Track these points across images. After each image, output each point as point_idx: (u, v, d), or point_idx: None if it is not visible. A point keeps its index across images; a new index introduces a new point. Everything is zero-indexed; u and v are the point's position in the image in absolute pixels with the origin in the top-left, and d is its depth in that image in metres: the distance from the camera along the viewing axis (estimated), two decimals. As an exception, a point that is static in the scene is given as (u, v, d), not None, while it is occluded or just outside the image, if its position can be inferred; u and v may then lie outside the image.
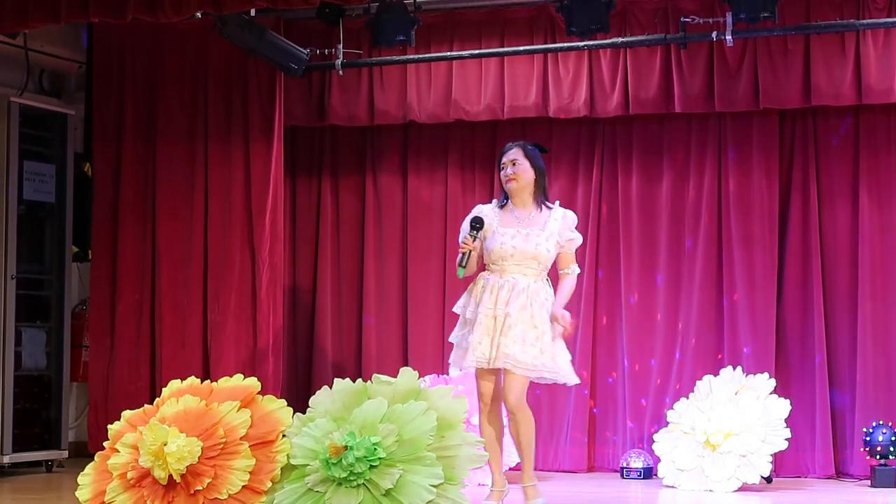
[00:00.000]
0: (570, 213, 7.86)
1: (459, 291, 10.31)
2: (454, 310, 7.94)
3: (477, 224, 7.68)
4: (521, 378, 7.62)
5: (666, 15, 9.70)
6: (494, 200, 7.94)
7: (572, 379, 7.84)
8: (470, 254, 7.67)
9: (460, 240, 7.72)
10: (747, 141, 9.93)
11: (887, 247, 9.66)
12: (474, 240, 7.68)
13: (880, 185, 9.70)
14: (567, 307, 7.73)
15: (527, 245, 7.65)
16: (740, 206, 9.90)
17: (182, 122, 10.27)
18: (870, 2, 9.35)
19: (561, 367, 7.70)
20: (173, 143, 10.27)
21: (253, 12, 9.31)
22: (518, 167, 7.74)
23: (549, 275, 7.79)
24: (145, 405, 7.07)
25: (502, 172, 7.79)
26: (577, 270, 7.84)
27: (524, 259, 7.65)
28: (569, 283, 7.79)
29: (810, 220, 9.80)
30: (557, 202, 7.90)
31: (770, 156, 9.89)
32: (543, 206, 7.79)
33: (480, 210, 7.86)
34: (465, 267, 7.68)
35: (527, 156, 7.77)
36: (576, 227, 7.84)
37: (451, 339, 7.94)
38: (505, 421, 7.89)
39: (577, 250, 7.87)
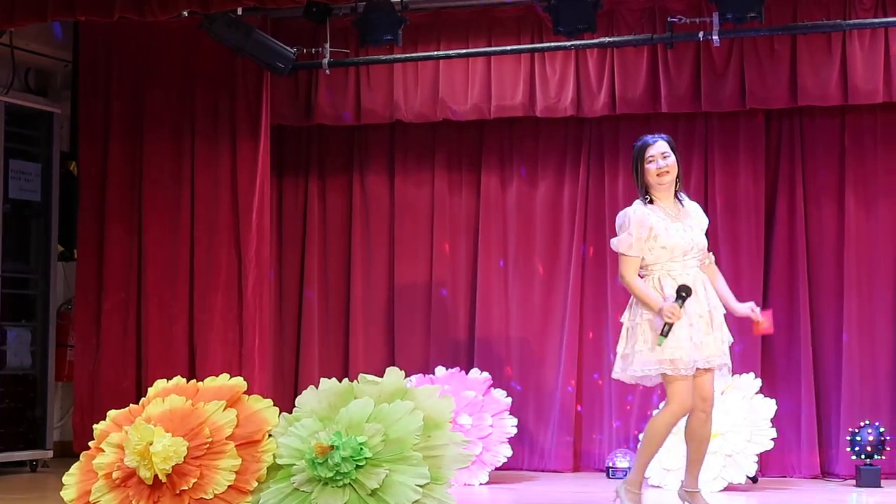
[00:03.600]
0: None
1: (447, 291, 10.39)
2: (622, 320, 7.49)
3: (685, 293, 7.25)
4: (712, 378, 7.44)
5: (653, 15, 9.71)
6: (637, 201, 7.46)
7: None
8: (672, 325, 7.27)
9: (665, 307, 7.17)
10: (734, 141, 9.95)
11: (873, 246, 9.69)
12: (680, 307, 7.24)
13: (866, 185, 9.73)
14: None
15: (700, 238, 7.43)
16: (727, 206, 9.91)
17: (168, 121, 10.25)
18: (856, 2, 9.37)
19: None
20: (160, 142, 10.24)
21: (240, 11, 9.29)
22: (669, 159, 7.42)
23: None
24: (131, 405, 7.03)
25: (651, 165, 7.40)
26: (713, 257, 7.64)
27: (699, 252, 7.42)
28: (720, 271, 7.62)
29: (796, 219, 9.82)
30: (682, 193, 7.63)
31: (756, 156, 9.91)
32: (679, 200, 7.52)
33: (644, 220, 7.34)
34: (665, 337, 7.20)
35: (673, 149, 7.50)
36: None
37: (623, 351, 7.42)
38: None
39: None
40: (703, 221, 7.54)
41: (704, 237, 7.47)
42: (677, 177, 7.46)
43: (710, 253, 7.57)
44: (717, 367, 7.38)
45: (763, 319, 7.45)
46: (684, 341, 7.24)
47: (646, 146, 7.45)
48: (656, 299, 7.22)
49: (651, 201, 7.41)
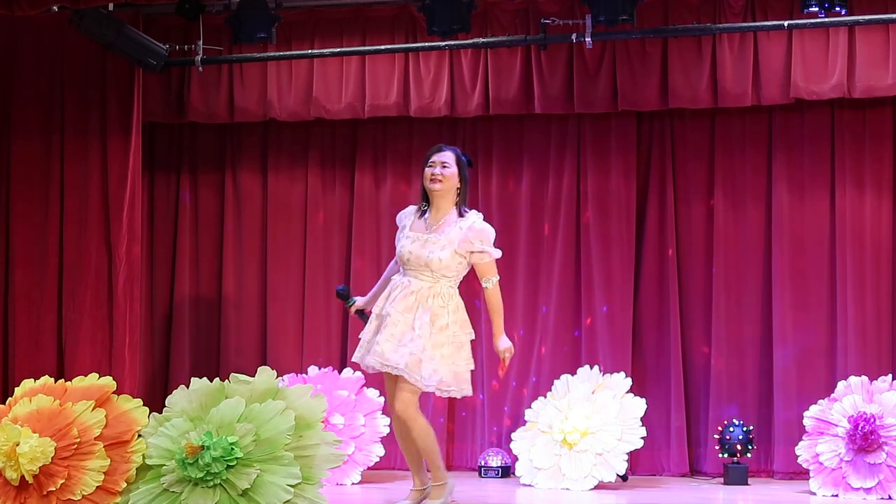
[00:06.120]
0: (480, 225, 7.67)
1: (319, 291, 10.39)
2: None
3: (340, 296, 8.10)
4: (406, 384, 7.50)
5: (527, 16, 9.77)
6: (420, 204, 7.82)
7: (458, 391, 7.67)
8: (361, 313, 7.98)
9: None
10: (606, 142, 10.03)
11: (741, 247, 9.83)
12: (350, 308, 8.07)
13: (735, 187, 9.86)
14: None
15: (422, 251, 7.58)
16: (599, 207, 10.00)
17: (38, 117, 10.08)
18: (726, 6, 9.50)
19: (435, 376, 7.50)
20: (28, 138, 10.07)
21: (111, 7, 9.18)
22: (447, 170, 7.63)
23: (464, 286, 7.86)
24: (-4, 405, 6.96)
25: (429, 170, 7.67)
26: (494, 280, 7.70)
27: (418, 265, 7.59)
28: (491, 301, 7.73)
29: (667, 220, 9.93)
30: (474, 211, 7.78)
31: (628, 157, 10.00)
32: (461, 215, 7.68)
33: (400, 218, 7.89)
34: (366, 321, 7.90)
35: (458, 162, 7.69)
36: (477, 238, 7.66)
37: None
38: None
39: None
40: (456, 244, 7.60)
41: (441, 258, 7.58)
42: (460, 192, 7.69)
43: (491, 279, 7.73)
44: (393, 371, 7.52)
45: (502, 367, 7.88)
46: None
47: (433, 152, 7.76)
48: None
49: (427, 209, 7.73)
